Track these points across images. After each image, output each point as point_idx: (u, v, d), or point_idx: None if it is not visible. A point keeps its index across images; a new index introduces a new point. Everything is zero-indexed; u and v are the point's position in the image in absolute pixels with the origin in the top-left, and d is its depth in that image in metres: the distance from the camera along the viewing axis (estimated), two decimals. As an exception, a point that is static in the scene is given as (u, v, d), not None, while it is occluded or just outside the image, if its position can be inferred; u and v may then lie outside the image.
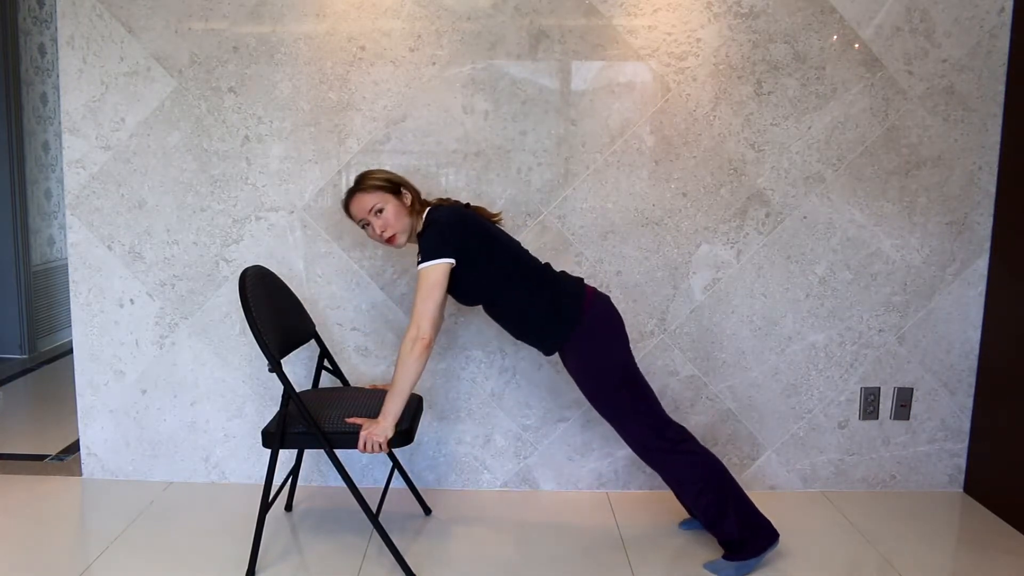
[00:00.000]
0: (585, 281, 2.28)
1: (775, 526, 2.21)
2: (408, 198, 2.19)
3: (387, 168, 2.44)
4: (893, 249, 2.62)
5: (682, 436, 2.18)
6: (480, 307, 2.27)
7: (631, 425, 2.18)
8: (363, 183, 2.18)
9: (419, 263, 2.07)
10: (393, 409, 2.07)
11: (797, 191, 2.59)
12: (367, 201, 2.15)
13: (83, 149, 2.60)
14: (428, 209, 2.19)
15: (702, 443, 2.25)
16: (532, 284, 2.16)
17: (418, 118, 2.56)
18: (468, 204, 2.27)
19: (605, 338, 2.17)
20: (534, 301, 2.16)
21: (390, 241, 2.16)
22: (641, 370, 2.22)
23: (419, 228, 2.18)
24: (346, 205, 2.21)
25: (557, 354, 2.22)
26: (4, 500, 2.58)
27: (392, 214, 2.14)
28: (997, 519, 2.53)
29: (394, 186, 2.18)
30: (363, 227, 2.20)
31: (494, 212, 2.36)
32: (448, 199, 2.30)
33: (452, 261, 2.07)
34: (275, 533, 2.39)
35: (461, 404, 2.70)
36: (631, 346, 2.24)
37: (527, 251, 2.24)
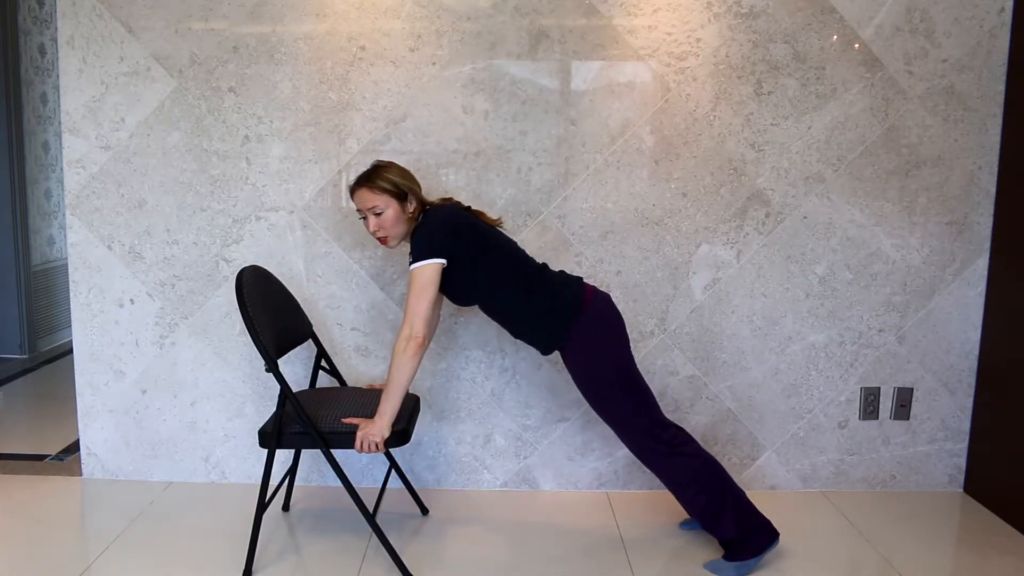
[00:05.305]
0: (585, 280, 2.27)
1: (775, 526, 2.21)
2: (412, 206, 2.17)
3: (401, 165, 2.26)
4: (893, 249, 2.62)
5: (680, 438, 2.18)
6: (478, 307, 2.26)
7: (628, 426, 2.18)
8: (373, 180, 2.14)
9: (411, 263, 2.08)
10: (388, 409, 2.07)
11: (797, 191, 2.59)
12: (370, 200, 2.13)
13: (83, 149, 2.60)
14: (426, 209, 2.19)
15: (702, 444, 2.25)
16: (528, 284, 2.16)
17: (418, 118, 2.56)
18: (469, 207, 2.25)
19: (603, 337, 2.16)
20: (531, 300, 2.15)
21: (382, 241, 2.18)
22: (641, 371, 2.22)
23: (414, 228, 2.17)
24: (352, 190, 2.19)
25: (557, 353, 2.22)
26: (4, 500, 2.58)
27: (391, 219, 2.13)
28: (997, 519, 2.53)
29: (401, 193, 2.15)
30: (361, 218, 2.20)
31: (494, 217, 2.33)
32: (450, 199, 2.29)
33: (443, 261, 2.07)
34: (273, 533, 2.39)
35: (461, 404, 2.70)
36: (632, 347, 2.23)
37: (524, 252, 2.23)
